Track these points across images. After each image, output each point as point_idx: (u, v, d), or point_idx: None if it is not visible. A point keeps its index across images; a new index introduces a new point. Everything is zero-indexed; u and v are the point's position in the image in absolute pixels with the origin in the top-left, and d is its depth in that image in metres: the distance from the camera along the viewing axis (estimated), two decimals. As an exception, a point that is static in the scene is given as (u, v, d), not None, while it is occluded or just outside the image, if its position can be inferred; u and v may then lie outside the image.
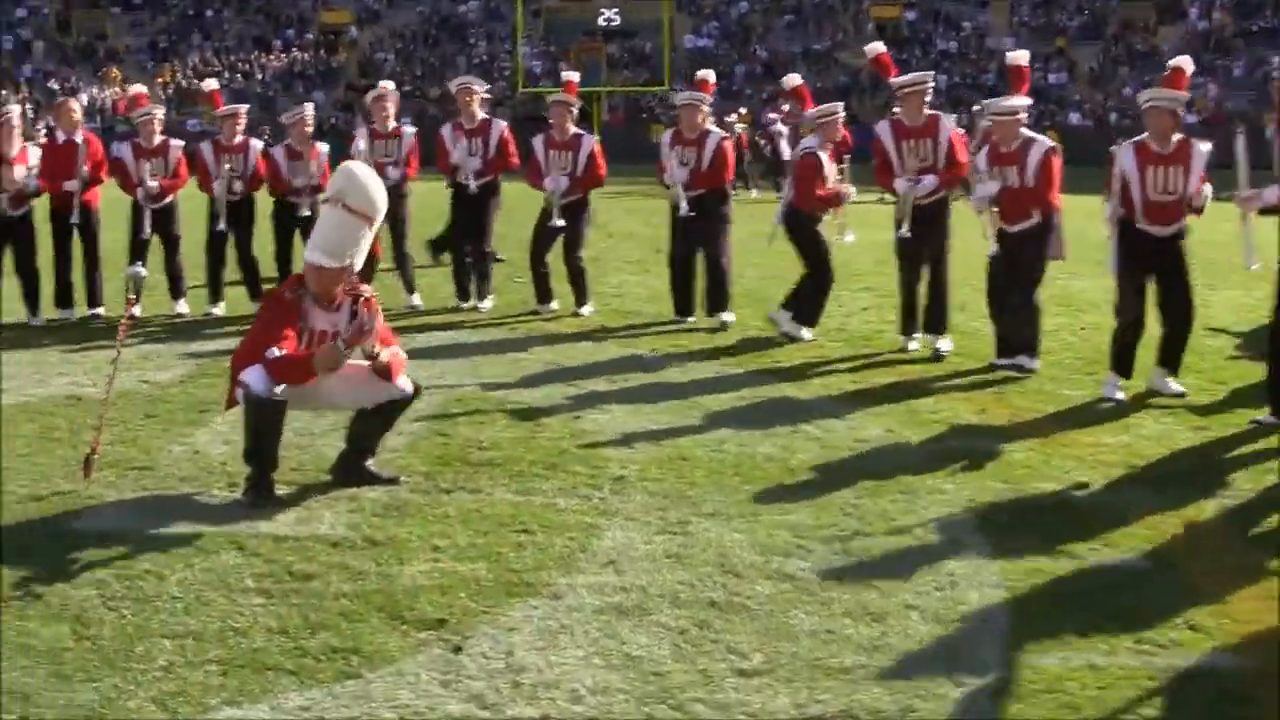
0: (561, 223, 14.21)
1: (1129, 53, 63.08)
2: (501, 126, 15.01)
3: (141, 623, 6.21)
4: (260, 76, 65.82)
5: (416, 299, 15.23)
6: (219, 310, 15.01)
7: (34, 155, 14.39)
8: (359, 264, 8.16)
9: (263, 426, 7.94)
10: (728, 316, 13.84)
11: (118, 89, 61.49)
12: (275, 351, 7.76)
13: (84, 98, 58.40)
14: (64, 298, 14.82)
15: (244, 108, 15.52)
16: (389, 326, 8.41)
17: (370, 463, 8.33)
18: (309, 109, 15.18)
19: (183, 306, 15.05)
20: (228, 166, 14.78)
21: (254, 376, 7.79)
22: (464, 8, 71.90)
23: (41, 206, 14.59)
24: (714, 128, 13.95)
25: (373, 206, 8.04)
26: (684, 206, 13.69)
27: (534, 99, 58.32)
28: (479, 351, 12.68)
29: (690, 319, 14.00)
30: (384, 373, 8.01)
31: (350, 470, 8.25)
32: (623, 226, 24.37)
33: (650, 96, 63.21)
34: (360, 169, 8.29)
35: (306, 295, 8.05)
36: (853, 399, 10.68)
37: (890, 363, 12.09)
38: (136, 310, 8.12)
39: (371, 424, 8.28)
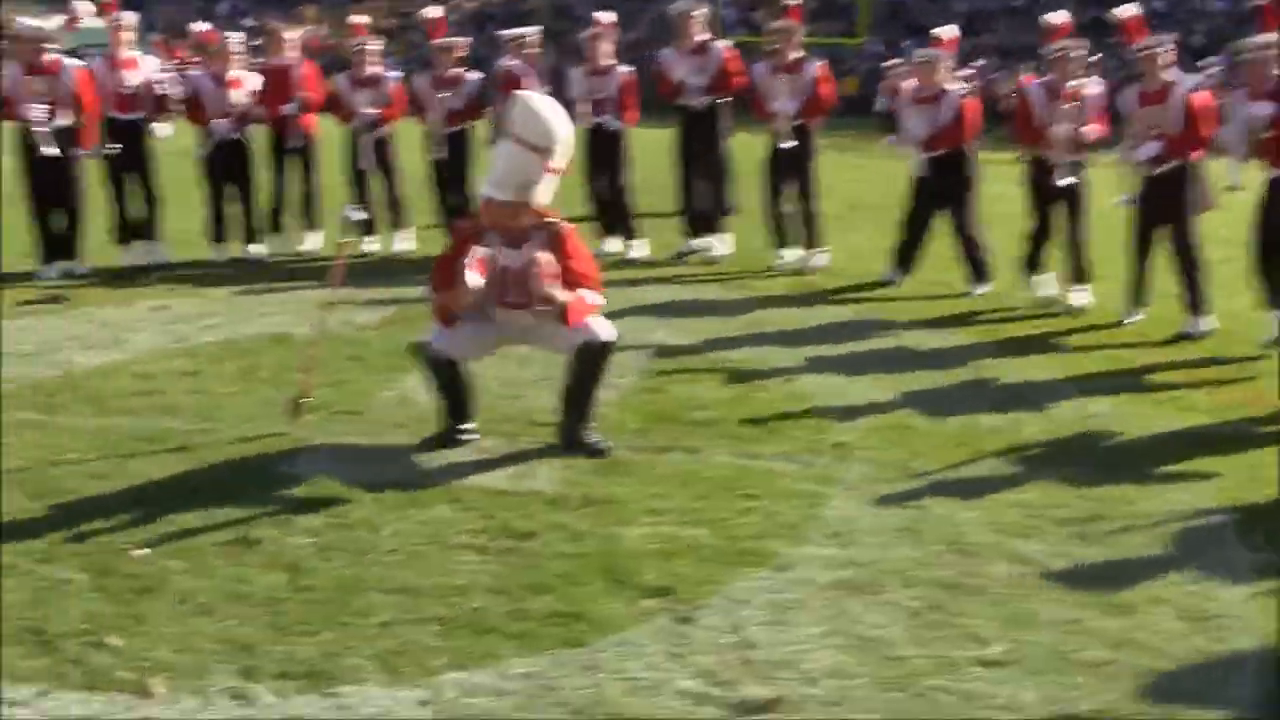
0: (794, 142, 13.54)
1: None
2: (721, 47, 14.31)
3: (358, 575, 6.03)
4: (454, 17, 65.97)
5: (631, 248, 14.75)
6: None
7: (251, 81, 14.42)
8: (537, 199, 7.73)
9: (439, 380, 7.84)
10: (982, 288, 12.94)
11: (311, 28, 62.16)
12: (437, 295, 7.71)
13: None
14: (277, 224, 14.88)
15: (463, 41, 15.35)
16: (592, 269, 8.01)
17: (588, 430, 7.93)
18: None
19: (403, 242, 14.95)
20: (440, 97, 14.64)
21: (429, 334, 7.76)
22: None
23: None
24: (951, 85, 13.27)
25: (543, 137, 7.60)
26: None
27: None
28: (692, 308, 12.25)
29: (904, 278, 13.46)
30: (561, 315, 7.65)
31: (570, 437, 7.90)
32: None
33: (844, 50, 62.23)
34: (534, 99, 7.87)
35: (486, 230, 7.79)
36: (1080, 374, 10.16)
37: (1122, 341, 11.45)
38: (357, 250, 7.86)
39: (576, 377, 7.89)
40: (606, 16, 15.00)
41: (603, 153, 14.31)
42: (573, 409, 7.91)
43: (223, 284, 12.97)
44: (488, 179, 7.84)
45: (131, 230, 14.19)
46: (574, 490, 7.18)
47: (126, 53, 14.10)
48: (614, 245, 14.60)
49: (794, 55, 13.73)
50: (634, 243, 14.69)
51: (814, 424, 8.60)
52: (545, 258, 7.55)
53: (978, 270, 12.83)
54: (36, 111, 12.99)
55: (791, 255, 13.92)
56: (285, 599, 5.78)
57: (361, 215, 8.72)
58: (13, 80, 13.08)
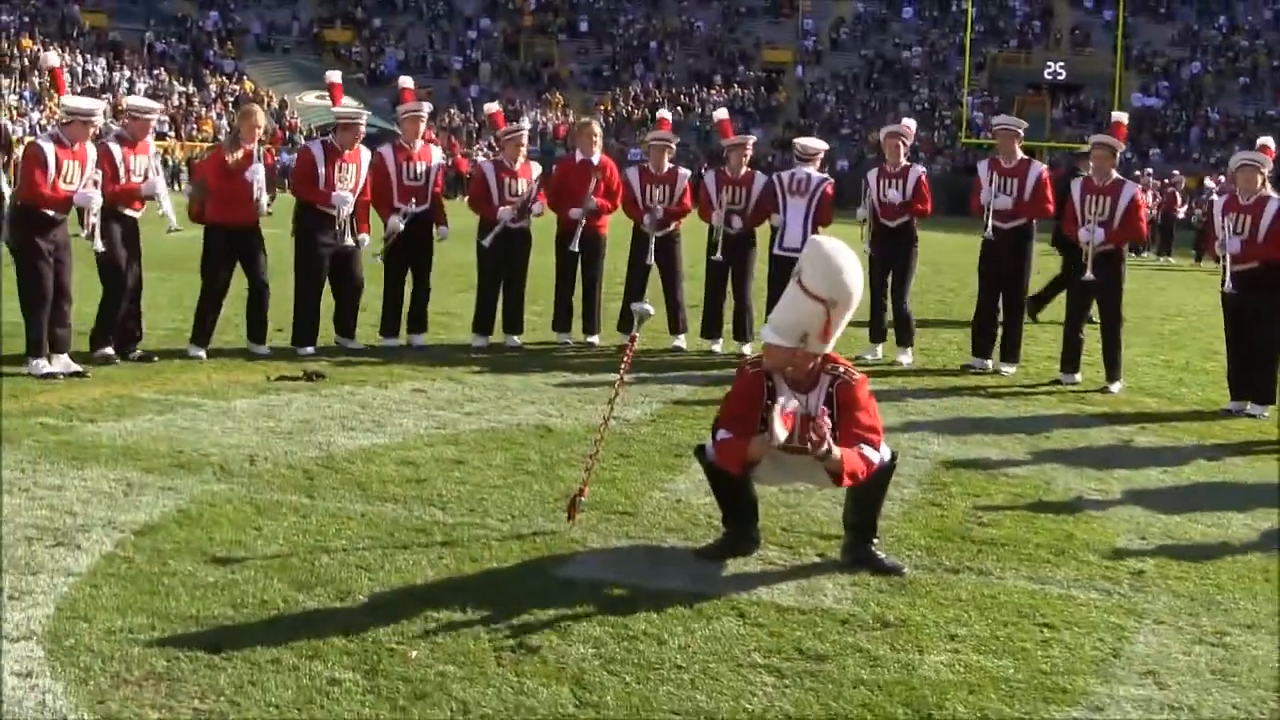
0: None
1: None
2: (1040, 169, 14.13)
3: (648, 693, 5.65)
4: (700, 110, 66.37)
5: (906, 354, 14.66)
6: (716, 347, 14.93)
7: (534, 170, 14.39)
8: (822, 347, 7.30)
9: (720, 486, 7.52)
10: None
11: (559, 114, 62.88)
12: (723, 434, 7.29)
13: (527, 120, 60.14)
14: (561, 321, 14.90)
15: (753, 139, 15.30)
16: (877, 421, 7.46)
17: (875, 545, 7.53)
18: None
19: (680, 341, 14.87)
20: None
21: (711, 441, 7.44)
22: (908, 53, 71.30)
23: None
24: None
25: (833, 289, 7.16)
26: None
27: (973, 149, 57.49)
28: (971, 422, 11.83)
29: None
30: (836, 475, 7.20)
31: (856, 555, 7.48)
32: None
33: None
34: (827, 245, 7.37)
35: (773, 371, 7.39)
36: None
37: None
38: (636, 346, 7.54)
39: (857, 500, 7.49)
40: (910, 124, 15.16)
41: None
42: (857, 528, 7.52)
43: (480, 370, 12.82)
44: (770, 320, 7.48)
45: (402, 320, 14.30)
46: (866, 610, 6.75)
47: (419, 143, 14.18)
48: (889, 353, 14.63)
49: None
50: (909, 350, 14.58)
51: (1107, 546, 8.09)
52: (824, 412, 7.14)
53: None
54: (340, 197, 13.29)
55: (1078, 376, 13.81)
56: (570, 715, 5.43)
57: (651, 310, 8.39)
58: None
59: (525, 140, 14.65)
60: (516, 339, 14.57)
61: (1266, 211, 12.17)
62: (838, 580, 7.18)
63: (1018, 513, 8.78)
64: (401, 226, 13.71)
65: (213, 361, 12.69)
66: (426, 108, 14.62)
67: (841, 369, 7.35)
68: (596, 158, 14.58)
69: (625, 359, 8.15)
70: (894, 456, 7.57)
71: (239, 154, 12.99)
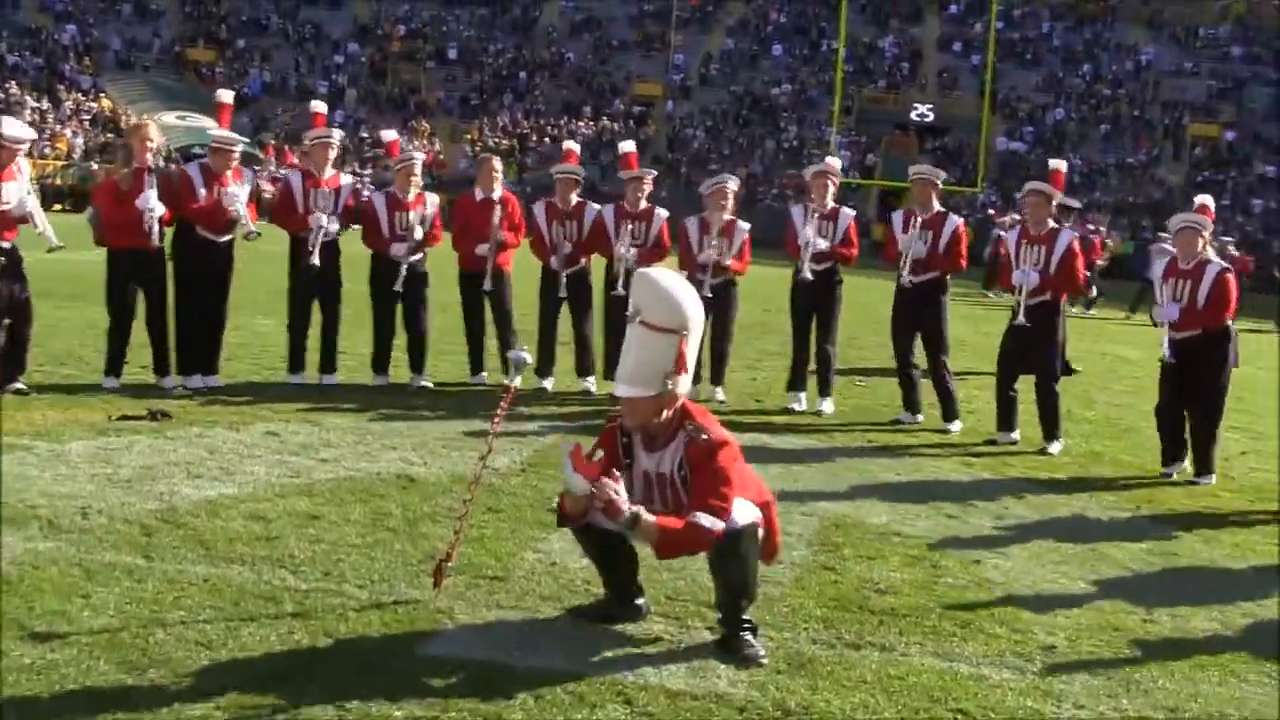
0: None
1: None
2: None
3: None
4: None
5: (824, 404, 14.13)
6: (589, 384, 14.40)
7: (431, 202, 13.81)
8: (682, 382, 6.53)
9: (590, 549, 6.93)
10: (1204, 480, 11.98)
11: (425, 142, 62.00)
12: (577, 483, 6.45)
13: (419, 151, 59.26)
14: (476, 364, 14.37)
15: (652, 173, 14.78)
16: (727, 488, 6.44)
17: (743, 634, 6.64)
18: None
19: (589, 383, 14.35)
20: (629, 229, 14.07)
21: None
22: (776, 90, 71.30)
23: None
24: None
25: (675, 317, 6.44)
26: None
27: (841, 188, 57.43)
28: (861, 474, 11.32)
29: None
30: (651, 546, 6.42)
31: (720, 640, 6.69)
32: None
33: (958, 197, 61.91)
34: (653, 275, 6.60)
35: (628, 428, 6.69)
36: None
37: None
38: (514, 394, 6.76)
39: (714, 575, 6.65)
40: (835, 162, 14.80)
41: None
42: (720, 607, 6.73)
43: (340, 410, 12.09)
44: (620, 374, 6.62)
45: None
46: (764, 695, 6.08)
47: (329, 170, 13.61)
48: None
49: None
50: (828, 399, 14.12)
51: (1014, 618, 7.54)
52: (617, 477, 6.37)
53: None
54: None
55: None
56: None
57: (528, 359, 7.64)
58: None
59: (418, 171, 13.91)
60: (424, 380, 13.94)
61: (1205, 277, 11.72)
62: (729, 660, 6.52)
63: (913, 575, 8.21)
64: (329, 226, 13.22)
65: (48, 396, 11.77)
66: (338, 134, 13.94)
67: (696, 426, 6.56)
68: (498, 193, 13.98)
69: (499, 410, 7.31)
70: (752, 525, 6.54)
71: (126, 172, 12.29)
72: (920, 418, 13.62)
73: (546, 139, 64.92)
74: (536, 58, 74.45)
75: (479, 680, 6.01)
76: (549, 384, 14.15)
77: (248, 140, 13.37)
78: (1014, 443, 12.81)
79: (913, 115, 65.93)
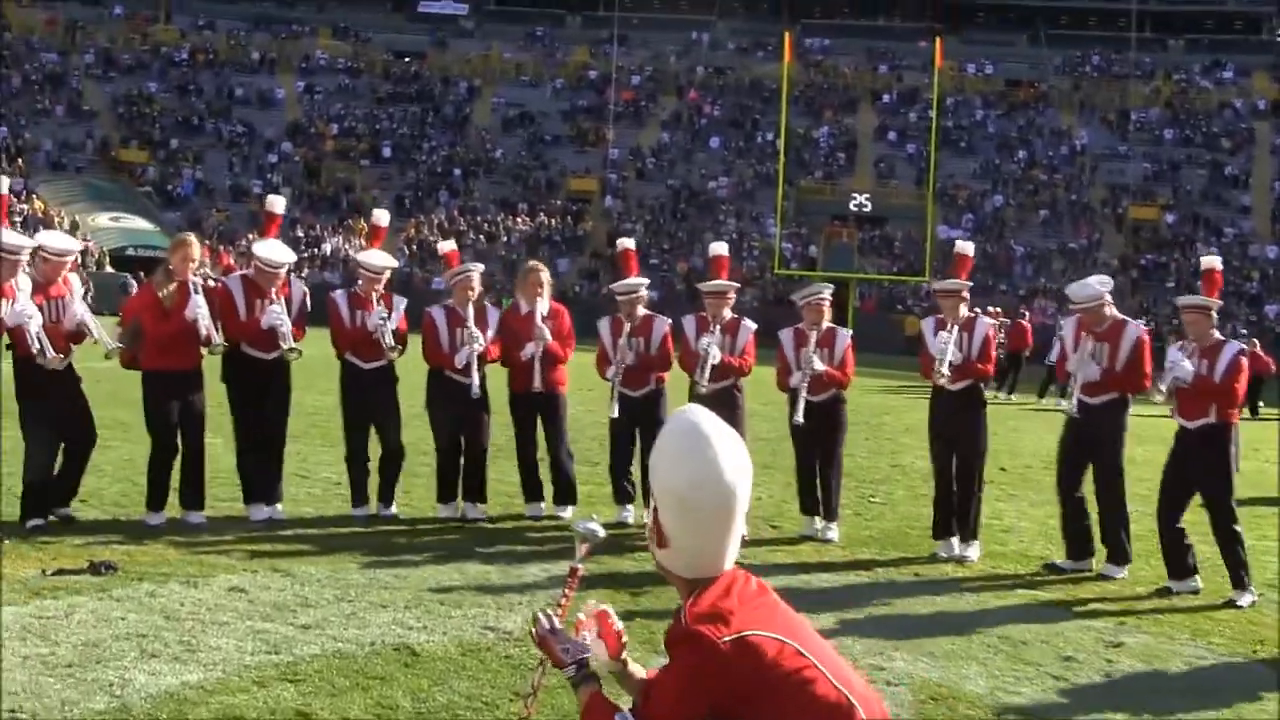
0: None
1: None
2: (1139, 331, 11.76)
3: None
4: (506, 239, 64.52)
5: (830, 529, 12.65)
6: (628, 515, 12.73)
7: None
8: (665, 562, 4.65)
9: None
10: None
11: (361, 241, 60.71)
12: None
13: (328, 246, 58.12)
14: (533, 491, 12.89)
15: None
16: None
17: None
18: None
19: (566, 512, 12.76)
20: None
21: None
22: (714, 184, 70.44)
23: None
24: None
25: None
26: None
27: (784, 280, 56.74)
28: (896, 613, 9.90)
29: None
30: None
31: None
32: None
33: (902, 287, 61.21)
34: (672, 426, 4.71)
35: None
36: None
37: None
38: (581, 569, 5.04)
39: None
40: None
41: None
42: None
43: (308, 554, 10.54)
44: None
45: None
46: None
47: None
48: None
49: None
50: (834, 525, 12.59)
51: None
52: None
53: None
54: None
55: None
56: None
57: (602, 533, 5.48)
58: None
59: (476, 284, 12.49)
60: (480, 508, 12.53)
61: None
62: None
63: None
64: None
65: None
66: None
67: (683, 609, 4.92)
68: (546, 307, 12.59)
69: (564, 597, 5.25)
70: None
71: (172, 288, 11.19)
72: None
73: (482, 236, 63.71)
74: (471, 154, 73.37)
75: None
76: (629, 515, 12.64)
77: (293, 258, 11.86)
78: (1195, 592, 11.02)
79: (851, 205, 65.03)
